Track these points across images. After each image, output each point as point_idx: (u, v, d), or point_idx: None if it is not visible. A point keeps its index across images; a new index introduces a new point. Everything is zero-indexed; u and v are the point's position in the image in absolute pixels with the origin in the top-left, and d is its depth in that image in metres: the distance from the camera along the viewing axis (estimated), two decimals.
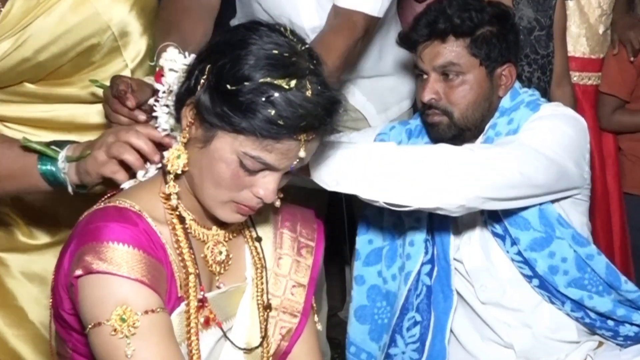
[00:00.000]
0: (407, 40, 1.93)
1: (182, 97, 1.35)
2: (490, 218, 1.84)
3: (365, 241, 2.04)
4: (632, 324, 1.85)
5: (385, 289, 2.00)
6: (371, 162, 1.67)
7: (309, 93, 1.28)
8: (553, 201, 1.82)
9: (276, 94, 1.26)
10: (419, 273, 1.92)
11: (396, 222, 1.99)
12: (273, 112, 1.26)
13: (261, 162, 1.30)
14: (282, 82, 1.27)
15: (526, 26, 2.40)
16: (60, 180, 1.47)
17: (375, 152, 1.70)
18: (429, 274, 1.92)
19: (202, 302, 1.38)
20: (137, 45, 1.76)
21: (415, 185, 1.68)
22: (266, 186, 1.33)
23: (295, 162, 1.32)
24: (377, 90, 2.33)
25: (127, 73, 1.76)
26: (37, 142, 1.49)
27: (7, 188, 1.51)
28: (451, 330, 1.93)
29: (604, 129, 2.72)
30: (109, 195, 1.43)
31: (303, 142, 1.30)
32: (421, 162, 1.71)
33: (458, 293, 1.91)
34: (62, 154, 1.46)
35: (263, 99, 1.26)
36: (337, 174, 1.66)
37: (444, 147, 1.80)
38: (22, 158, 1.48)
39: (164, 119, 1.44)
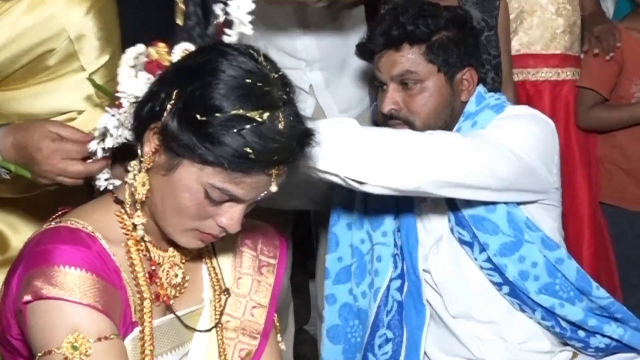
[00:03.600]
0: (364, 51, 1.91)
1: (145, 121, 1.29)
2: (458, 225, 1.81)
3: (335, 259, 2.00)
4: (603, 335, 1.81)
5: (356, 307, 1.97)
6: (332, 135, 1.60)
7: (281, 126, 1.24)
8: (520, 205, 1.79)
9: (248, 127, 1.21)
10: (388, 289, 1.89)
11: (364, 238, 1.96)
12: (244, 145, 1.21)
13: (228, 194, 1.26)
14: (255, 115, 1.22)
15: (475, 27, 2.37)
16: None
17: (336, 127, 1.65)
18: (400, 289, 1.88)
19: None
20: (95, 49, 1.70)
21: (373, 162, 1.64)
22: (231, 216, 1.28)
23: (263, 194, 1.28)
24: (343, 85, 2.29)
25: (84, 77, 1.69)
26: None
27: None
28: None
29: (583, 127, 2.64)
30: (60, 213, 1.37)
31: (274, 177, 1.26)
32: (382, 141, 1.67)
33: (429, 304, 1.88)
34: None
35: (234, 131, 1.21)
36: None
37: (407, 131, 1.77)
38: None
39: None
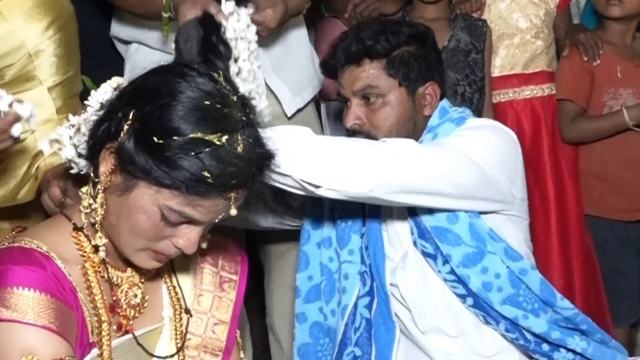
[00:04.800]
0: (327, 68, 1.93)
1: (101, 140, 1.27)
2: (420, 237, 1.81)
3: (305, 278, 1.99)
4: (567, 350, 1.80)
5: (326, 325, 1.96)
6: (288, 138, 1.60)
7: (240, 149, 1.23)
8: (483, 215, 1.78)
9: (206, 150, 1.20)
10: (355, 306, 1.87)
11: (332, 256, 1.95)
12: (202, 169, 1.20)
13: (185, 216, 1.24)
14: (214, 138, 1.20)
15: (464, 48, 2.44)
16: None
17: (292, 132, 1.65)
18: (368, 307, 1.87)
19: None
20: (53, 65, 1.70)
21: (327, 165, 1.63)
22: (187, 237, 1.27)
23: (221, 216, 1.27)
24: (290, 67, 2.26)
25: (42, 91, 1.70)
26: None
27: None
28: None
29: (567, 141, 2.66)
30: (14, 232, 1.36)
31: (233, 200, 1.24)
32: (337, 146, 1.67)
33: (399, 319, 1.87)
34: None
35: (192, 154, 1.20)
36: None
37: (361, 139, 1.78)
38: None
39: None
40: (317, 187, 1.63)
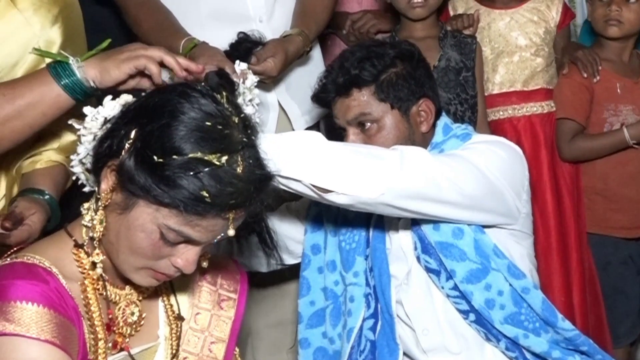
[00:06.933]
0: (319, 101, 1.97)
1: (103, 157, 1.31)
2: (424, 253, 1.83)
3: (307, 303, 2.01)
4: None
5: (332, 350, 1.97)
6: (298, 143, 1.63)
7: (239, 170, 1.25)
8: (487, 231, 1.81)
9: (205, 170, 1.23)
10: (361, 329, 1.90)
11: (338, 279, 1.97)
12: (200, 189, 1.23)
13: (184, 236, 1.27)
14: (213, 158, 1.23)
15: (454, 67, 2.46)
16: (81, 86, 1.46)
17: (302, 137, 1.67)
18: (373, 329, 1.90)
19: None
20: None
21: (338, 169, 1.65)
22: (186, 257, 1.30)
23: (219, 236, 1.30)
24: (302, 85, 2.28)
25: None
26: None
27: (29, 117, 1.51)
28: None
29: (566, 159, 2.69)
30: (15, 249, 1.39)
31: (231, 220, 1.28)
32: (348, 151, 1.70)
33: (402, 341, 1.88)
34: (70, 58, 1.48)
35: (191, 174, 1.23)
36: None
37: (372, 145, 1.81)
38: (38, 82, 1.49)
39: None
40: (329, 191, 1.65)
